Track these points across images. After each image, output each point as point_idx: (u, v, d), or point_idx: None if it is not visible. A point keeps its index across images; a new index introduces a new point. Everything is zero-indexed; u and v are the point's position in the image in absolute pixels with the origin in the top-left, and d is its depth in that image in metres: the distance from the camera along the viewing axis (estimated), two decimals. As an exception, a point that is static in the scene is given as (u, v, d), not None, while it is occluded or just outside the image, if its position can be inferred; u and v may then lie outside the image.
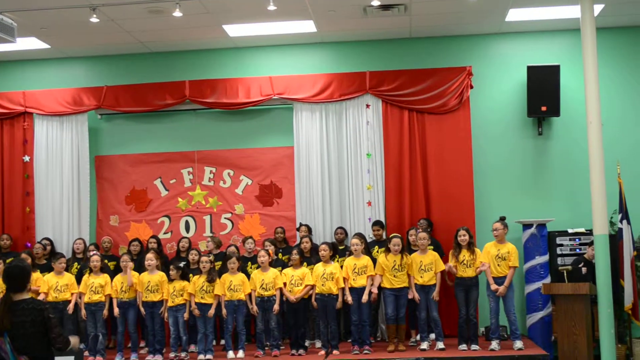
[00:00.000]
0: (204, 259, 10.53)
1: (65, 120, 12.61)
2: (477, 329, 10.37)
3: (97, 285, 10.50)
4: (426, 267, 10.33)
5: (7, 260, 9.55)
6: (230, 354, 10.26)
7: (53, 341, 6.02)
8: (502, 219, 10.42)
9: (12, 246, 12.10)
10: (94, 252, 11.14)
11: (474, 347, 10.11)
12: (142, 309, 10.51)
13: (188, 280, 10.50)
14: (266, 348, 10.40)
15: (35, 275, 10.62)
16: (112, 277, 10.71)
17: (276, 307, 10.30)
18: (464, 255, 10.28)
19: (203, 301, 10.35)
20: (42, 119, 12.66)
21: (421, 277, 10.33)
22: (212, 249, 11.66)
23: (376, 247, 11.13)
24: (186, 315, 10.44)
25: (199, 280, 10.40)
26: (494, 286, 10.10)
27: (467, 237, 10.32)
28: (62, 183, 12.49)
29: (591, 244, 10.68)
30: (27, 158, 12.58)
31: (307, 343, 10.60)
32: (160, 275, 10.57)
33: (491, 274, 10.16)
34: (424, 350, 10.14)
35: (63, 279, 10.62)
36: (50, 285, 10.52)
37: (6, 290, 6.14)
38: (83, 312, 10.50)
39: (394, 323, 10.38)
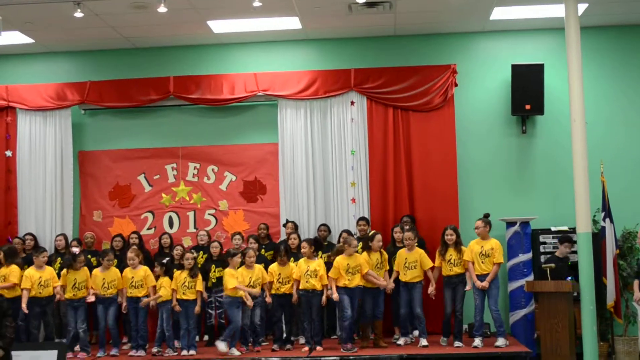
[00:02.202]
0: (188, 255, 10.50)
1: (49, 115, 12.53)
2: (462, 325, 10.41)
3: (79, 281, 10.43)
4: (410, 264, 10.36)
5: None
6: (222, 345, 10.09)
7: (2, 333, 5.95)
8: (486, 216, 10.47)
9: (-5, 240, 12.05)
10: (77, 247, 11.11)
11: (457, 343, 10.14)
12: (124, 305, 10.49)
13: (171, 276, 10.44)
14: (249, 344, 10.39)
15: (12, 268, 10.52)
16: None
17: (268, 299, 10.31)
18: (451, 254, 10.33)
19: (185, 297, 10.31)
20: (25, 114, 12.57)
21: (404, 274, 10.37)
22: (205, 243, 11.60)
23: (361, 243, 11.11)
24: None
25: (180, 276, 10.36)
26: (477, 282, 10.15)
27: (454, 236, 10.37)
28: (45, 178, 12.41)
29: (562, 241, 10.77)
30: (9, 153, 12.48)
31: (291, 339, 10.60)
32: (144, 270, 10.56)
33: (474, 272, 10.21)
34: (399, 345, 10.21)
35: (45, 273, 10.52)
36: (34, 280, 10.42)
37: None
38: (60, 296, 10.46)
39: (370, 321, 10.46)
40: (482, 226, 10.36)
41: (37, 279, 10.43)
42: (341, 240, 10.68)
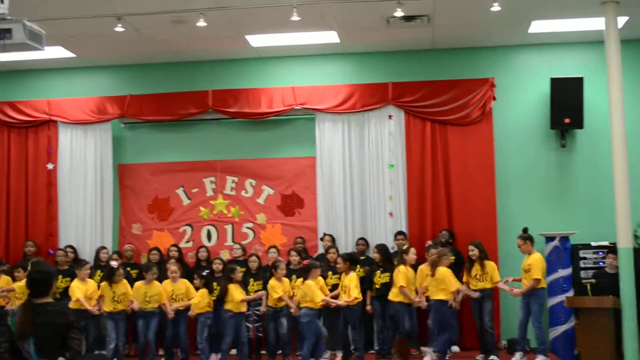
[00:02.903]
0: (238, 268, 10.54)
1: (89, 128, 12.70)
2: (494, 339, 10.34)
3: (119, 294, 10.50)
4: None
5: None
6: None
7: (69, 345, 5.95)
8: (524, 231, 10.46)
9: (36, 253, 12.18)
10: (117, 261, 11.19)
11: (492, 358, 10.09)
12: (170, 311, 10.46)
13: (211, 289, 10.49)
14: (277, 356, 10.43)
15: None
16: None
17: (293, 310, 10.28)
18: (476, 269, 10.39)
19: (242, 309, 10.40)
20: (66, 127, 12.75)
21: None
22: (240, 256, 11.64)
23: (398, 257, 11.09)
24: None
25: (236, 289, 10.35)
26: (504, 287, 10.32)
27: (475, 251, 10.46)
28: (86, 191, 12.57)
29: (608, 252, 10.67)
30: (50, 166, 12.67)
31: (328, 354, 10.59)
32: (184, 283, 10.66)
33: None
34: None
35: (88, 285, 10.66)
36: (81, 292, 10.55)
37: (29, 295, 6.08)
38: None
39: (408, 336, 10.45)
40: (522, 244, 10.38)
41: (83, 291, 10.53)
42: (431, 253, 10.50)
